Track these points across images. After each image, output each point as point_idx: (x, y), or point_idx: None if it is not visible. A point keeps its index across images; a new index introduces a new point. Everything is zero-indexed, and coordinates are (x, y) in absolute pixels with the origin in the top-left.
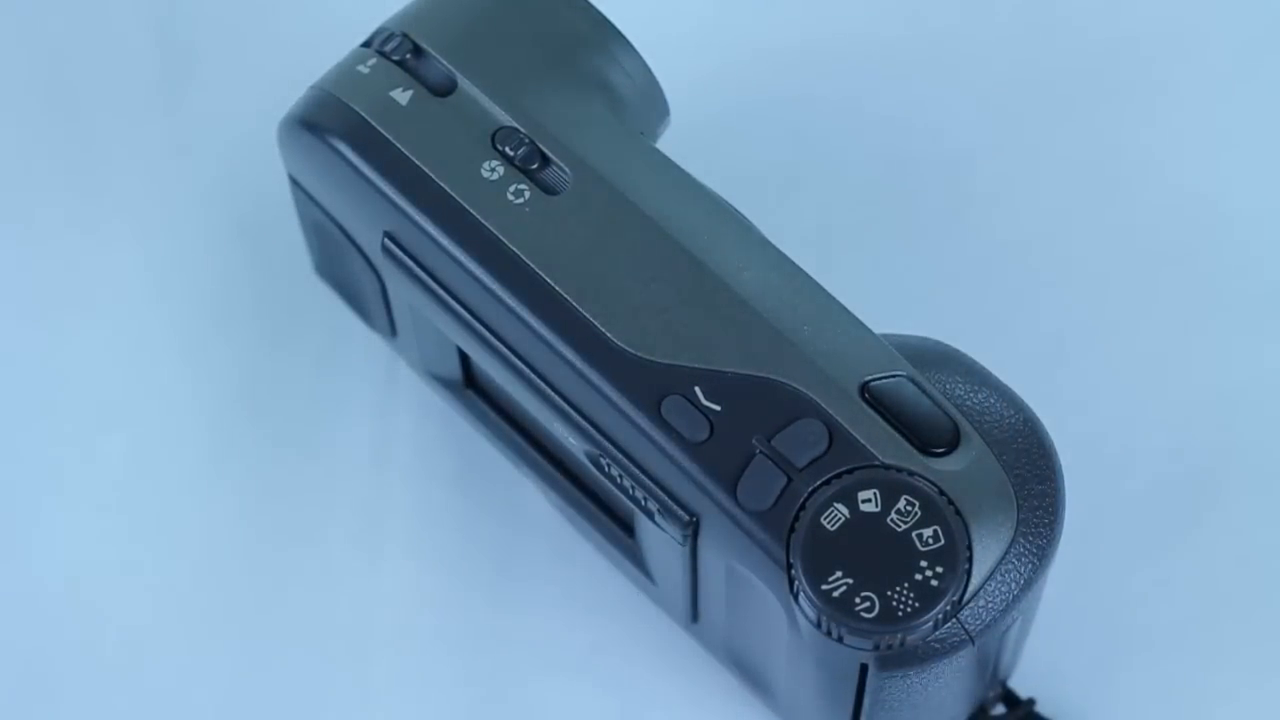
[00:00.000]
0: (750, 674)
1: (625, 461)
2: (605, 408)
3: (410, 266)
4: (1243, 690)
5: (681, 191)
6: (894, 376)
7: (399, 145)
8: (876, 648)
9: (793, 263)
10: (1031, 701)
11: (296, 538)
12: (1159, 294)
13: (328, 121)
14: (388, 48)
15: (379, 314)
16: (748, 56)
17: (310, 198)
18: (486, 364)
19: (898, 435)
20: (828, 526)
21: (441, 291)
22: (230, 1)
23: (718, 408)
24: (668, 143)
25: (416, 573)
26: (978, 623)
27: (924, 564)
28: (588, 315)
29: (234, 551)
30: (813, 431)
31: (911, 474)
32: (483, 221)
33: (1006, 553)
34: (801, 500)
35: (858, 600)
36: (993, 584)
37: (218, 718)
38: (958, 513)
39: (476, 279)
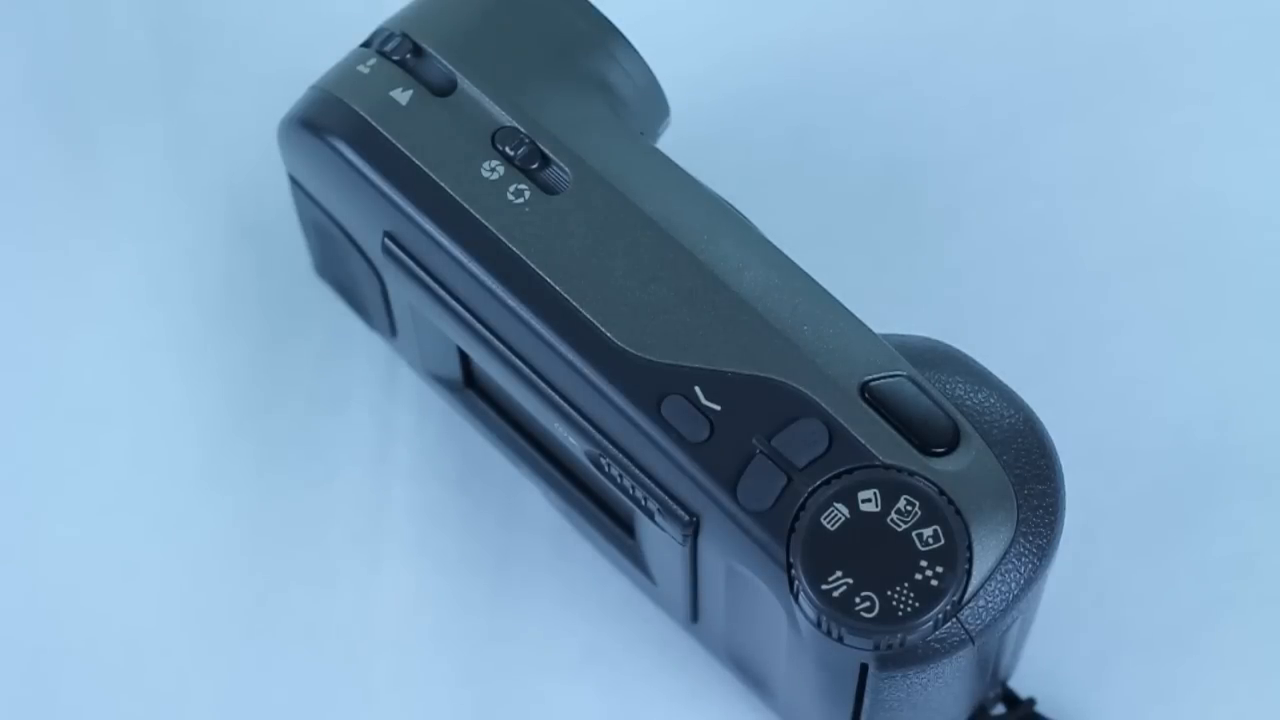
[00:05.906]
0: (750, 674)
1: (625, 461)
2: (605, 408)
3: (410, 266)
4: (1243, 690)
5: (681, 191)
6: (894, 376)
7: (399, 145)
8: (876, 648)
9: (793, 263)
10: (1031, 701)
11: (296, 538)
12: (1159, 293)
13: (328, 121)
14: (388, 48)
15: (379, 314)
16: (748, 56)
17: (310, 198)
18: (486, 364)
19: (898, 435)
20: (828, 526)
21: (442, 291)
22: (230, 1)
23: (718, 408)
24: (668, 143)
25: (416, 572)
26: (978, 623)
27: (924, 564)
28: (588, 315)
29: (234, 551)
30: (813, 431)
31: (911, 474)
32: (483, 221)
33: (1006, 553)
34: (801, 500)
35: (858, 600)
36: (993, 584)
37: (218, 718)
38: (958, 513)
39: (476, 279)
